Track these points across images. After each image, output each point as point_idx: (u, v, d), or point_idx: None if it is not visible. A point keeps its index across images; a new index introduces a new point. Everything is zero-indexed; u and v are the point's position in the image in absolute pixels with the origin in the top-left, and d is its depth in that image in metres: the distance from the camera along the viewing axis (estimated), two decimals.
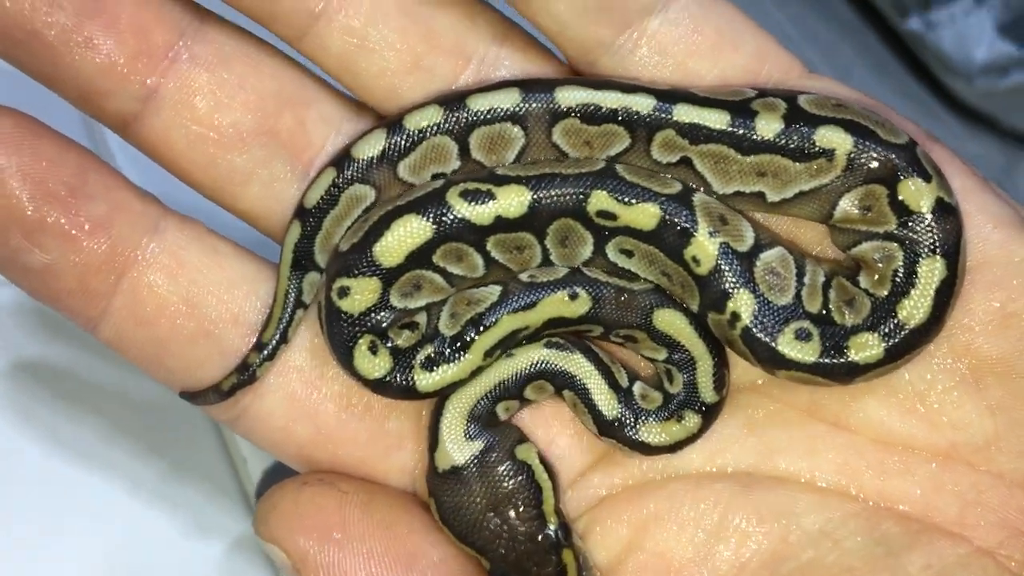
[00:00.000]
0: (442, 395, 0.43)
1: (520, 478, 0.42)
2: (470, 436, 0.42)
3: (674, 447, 0.43)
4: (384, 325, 0.42)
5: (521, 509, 0.41)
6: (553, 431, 0.44)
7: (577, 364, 0.43)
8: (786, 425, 0.43)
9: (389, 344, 0.42)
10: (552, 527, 0.41)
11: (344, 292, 0.41)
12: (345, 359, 0.42)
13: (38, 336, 0.53)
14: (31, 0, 0.38)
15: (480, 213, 0.41)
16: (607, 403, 0.42)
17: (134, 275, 0.41)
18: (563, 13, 0.40)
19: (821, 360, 0.40)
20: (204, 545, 0.50)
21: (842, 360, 0.40)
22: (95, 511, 0.50)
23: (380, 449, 0.44)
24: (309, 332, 0.43)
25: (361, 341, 0.42)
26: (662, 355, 0.43)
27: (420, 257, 0.41)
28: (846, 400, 0.42)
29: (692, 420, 0.42)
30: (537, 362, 0.42)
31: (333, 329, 0.42)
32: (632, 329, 0.42)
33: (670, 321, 0.42)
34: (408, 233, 0.41)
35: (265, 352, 0.42)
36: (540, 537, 0.41)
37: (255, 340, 0.42)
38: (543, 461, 0.43)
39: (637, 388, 0.43)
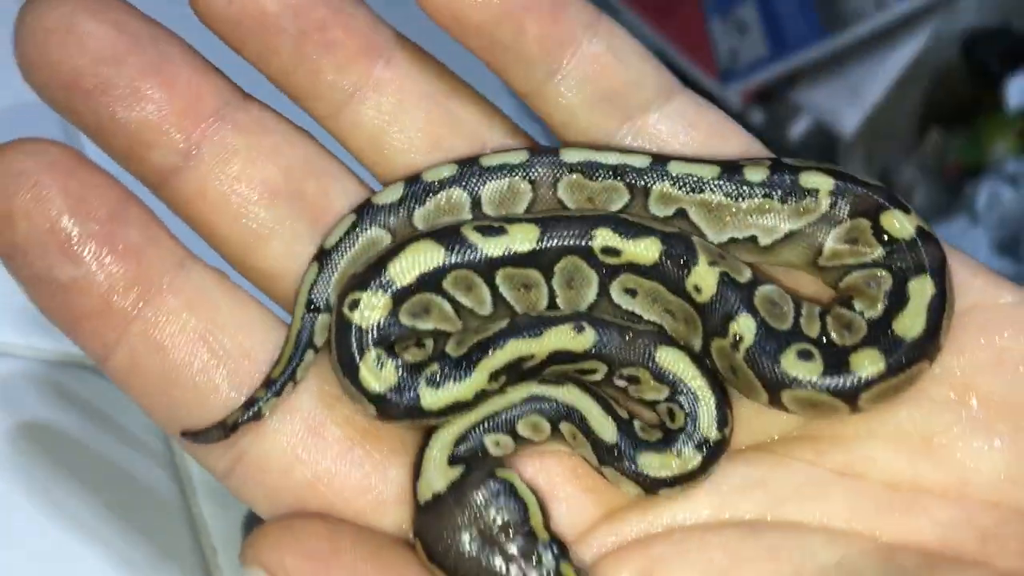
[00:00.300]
0: (440, 420, 0.42)
1: (502, 497, 0.41)
2: (452, 462, 0.42)
3: (673, 482, 0.42)
4: (392, 339, 0.42)
5: (510, 529, 0.40)
6: (558, 486, 0.44)
7: (573, 394, 0.43)
8: (792, 476, 0.42)
9: (396, 361, 0.42)
10: (544, 542, 0.40)
11: (355, 304, 0.42)
12: (351, 371, 0.42)
13: (46, 404, 0.52)
14: (104, 54, 0.41)
15: (492, 244, 0.43)
16: (606, 428, 0.42)
17: (157, 302, 0.42)
18: (573, 102, 0.44)
19: (824, 376, 0.41)
20: None
21: (845, 375, 0.41)
22: None
23: (380, 500, 0.43)
24: (317, 378, 0.43)
25: (369, 353, 0.42)
26: (664, 394, 0.43)
27: (431, 280, 0.43)
28: (850, 447, 0.42)
29: (692, 455, 0.42)
30: (530, 395, 0.43)
31: (341, 341, 0.42)
32: (636, 367, 0.43)
33: (673, 358, 0.43)
34: (422, 254, 0.43)
35: (273, 389, 0.42)
36: (534, 556, 0.40)
37: (265, 378, 0.42)
38: (527, 483, 0.42)
39: (637, 424, 0.43)
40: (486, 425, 0.42)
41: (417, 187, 0.45)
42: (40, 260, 0.41)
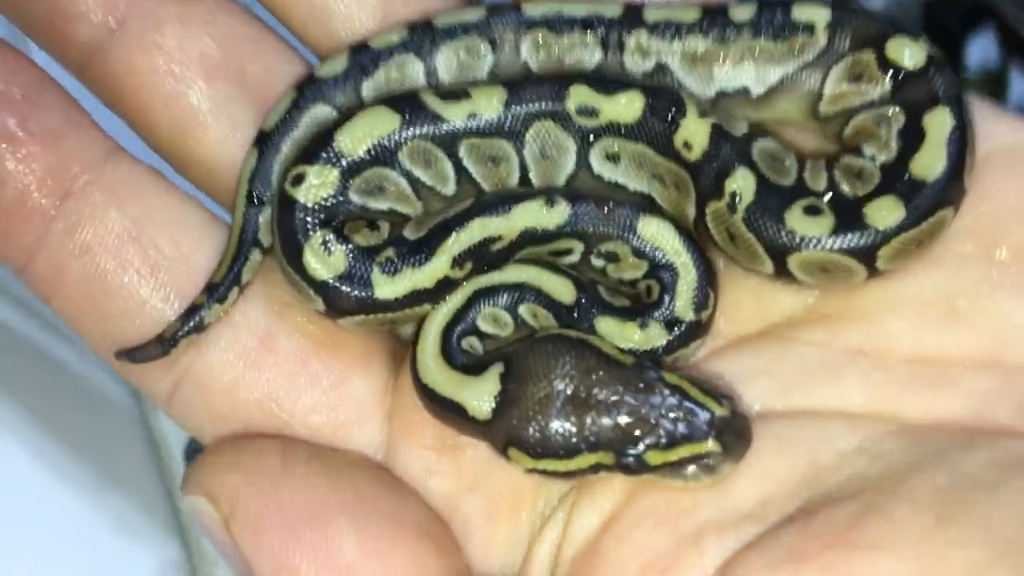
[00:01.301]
0: (397, 314, 0.37)
1: (562, 349, 0.35)
2: (479, 371, 0.36)
3: (631, 355, 0.37)
4: (342, 220, 0.37)
5: (591, 374, 0.35)
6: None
7: (523, 271, 0.38)
8: (800, 360, 0.37)
9: (346, 245, 0.37)
10: (630, 364, 0.35)
11: (299, 180, 0.37)
12: (294, 256, 0.37)
13: None
14: None
15: (453, 109, 0.38)
16: (563, 291, 0.37)
17: (80, 197, 0.37)
18: None
19: (837, 232, 0.36)
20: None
21: (860, 229, 0.36)
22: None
23: (340, 420, 0.38)
24: (265, 283, 0.39)
25: (314, 236, 0.37)
26: (643, 270, 0.38)
27: (386, 152, 0.38)
28: (867, 323, 0.37)
29: (659, 334, 0.37)
30: (474, 292, 0.38)
31: (283, 221, 0.37)
32: (614, 242, 0.38)
33: (655, 230, 0.38)
34: (375, 122, 0.38)
35: (215, 295, 0.37)
36: (631, 384, 0.35)
37: (207, 282, 0.38)
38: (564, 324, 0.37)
39: (603, 288, 0.38)
40: (459, 330, 0.38)
41: (364, 56, 0.39)
42: None
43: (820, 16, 0.38)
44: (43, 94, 0.37)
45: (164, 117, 0.39)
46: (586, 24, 0.39)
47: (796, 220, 0.36)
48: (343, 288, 0.37)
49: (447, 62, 0.40)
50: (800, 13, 0.38)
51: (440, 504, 0.38)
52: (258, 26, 0.41)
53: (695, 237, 0.38)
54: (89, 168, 0.37)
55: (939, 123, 0.37)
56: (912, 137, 0.37)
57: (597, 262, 0.39)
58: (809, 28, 0.38)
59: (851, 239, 0.36)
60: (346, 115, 0.38)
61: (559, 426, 0.35)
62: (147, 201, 0.38)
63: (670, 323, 0.37)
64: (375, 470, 0.37)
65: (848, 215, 0.36)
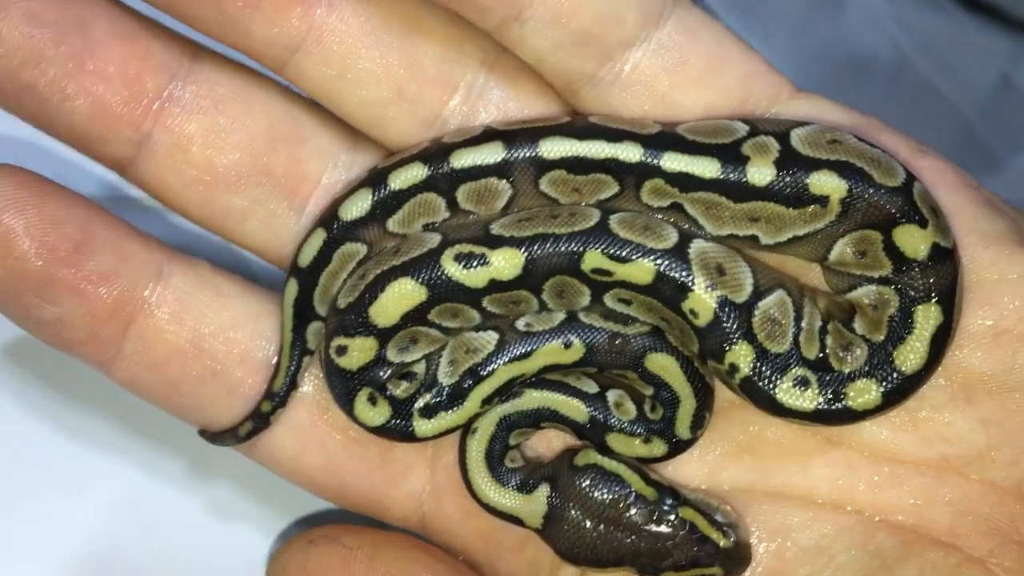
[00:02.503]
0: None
1: (596, 481, 0.42)
2: (529, 489, 0.43)
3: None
4: (382, 378, 0.43)
5: (620, 504, 0.42)
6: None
7: (537, 397, 0.43)
8: (779, 442, 0.43)
9: (388, 394, 0.43)
10: (653, 499, 0.42)
11: (342, 351, 0.42)
12: (347, 409, 0.43)
13: None
14: (20, 55, 0.39)
15: (474, 276, 0.40)
16: (576, 411, 0.43)
17: (141, 321, 0.42)
18: (541, 47, 0.39)
19: (820, 408, 0.40)
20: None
21: (841, 407, 0.40)
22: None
23: (388, 476, 0.45)
24: (315, 367, 0.44)
25: (360, 393, 0.42)
26: (649, 391, 0.43)
27: (415, 317, 0.41)
28: None
29: (659, 447, 0.43)
30: (500, 419, 0.43)
31: (333, 383, 0.43)
32: (624, 370, 0.42)
33: (662, 365, 0.42)
34: (402, 295, 0.41)
35: (276, 399, 0.43)
36: (653, 517, 0.42)
37: (266, 388, 0.43)
38: (605, 453, 0.43)
39: (612, 396, 0.43)
40: (498, 453, 0.44)
41: (385, 194, 0.41)
42: (18, 304, 0.41)
43: (836, 190, 0.39)
44: (92, 238, 0.41)
45: (203, 218, 0.43)
46: (604, 167, 0.40)
47: (785, 393, 0.40)
48: (388, 430, 0.43)
49: (467, 196, 0.41)
50: (816, 185, 0.39)
51: (475, 537, 0.46)
52: (281, 105, 0.43)
53: (697, 368, 0.42)
54: (145, 292, 0.42)
55: (927, 319, 0.39)
56: (901, 327, 0.40)
57: (611, 375, 0.43)
58: (823, 200, 0.39)
59: (831, 413, 0.40)
60: (375, 283, 0.41)
61: (592, 547, 0.42)
62: (200, 310, 0.43)
63: (670, 440, 0.43)
64: (424, 560, 0.45)
65: (832, 392, 0.40)
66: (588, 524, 0.42)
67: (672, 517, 0.42)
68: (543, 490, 0.43)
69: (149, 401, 0.44)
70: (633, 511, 0.42)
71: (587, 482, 0.42)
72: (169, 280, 0.42)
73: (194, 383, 0.43)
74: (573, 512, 0.42)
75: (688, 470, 0.44)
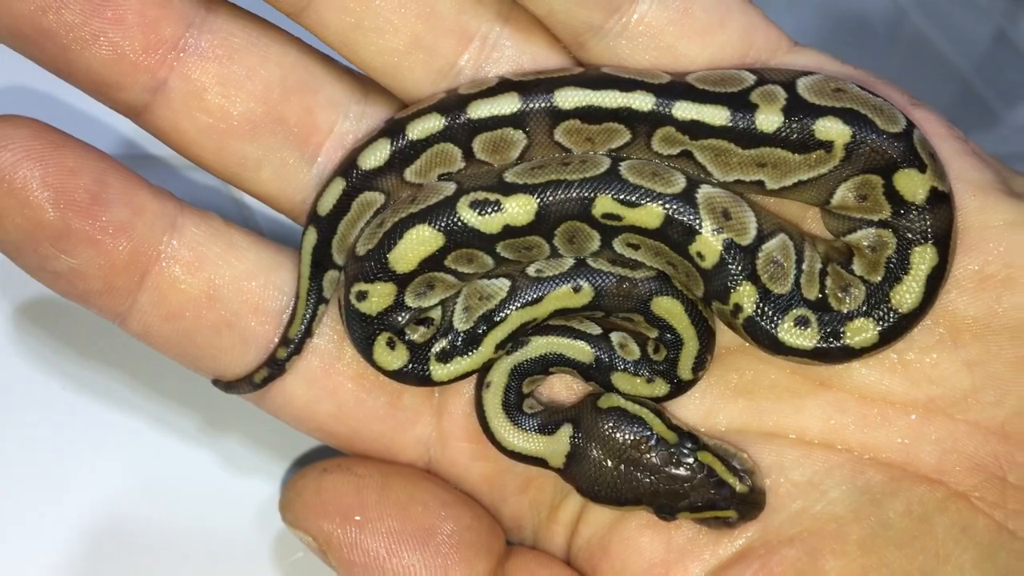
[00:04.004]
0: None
1: (619, 423, 0.44)
2: (551, 430, 0.44)
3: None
4: (401, 322, 0.44)
5: (641, 446, 0.43)
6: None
7: (543, 343, 0.45)
8: (773, 385, 0.45)
9: (406, 339, 0.44)
10: (673, 443, 0.43)
11: (362, 296, 0.43)
12: (366, 354, 0.44)
13: None
14: (39, 1, 0.39)
15: (488, 222, 0.42)
16: (581, 353, 0.45)
17: (156, 272, 0.42)
18: None
19: (819, 346, 0.42)
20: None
21: (839, 345, 0.42)
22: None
23: (397, 423, 0.46)
24: (328, 318, 0.45)
25: (379, 338, 0.44)
26: (654, 334, 0.45)
27: (432, 262, 0.43)
28: None
29: (661, 387, 0.45)
30: (511, 369, 0.45)
31: (353, 328, 0.44)
32: (630, 313, 0.44)
33: (667, 308, 0.44)
34: (420, 241, 0.42)
35: (292, 346, 0.44)
36: (673, 459, 0.43)
37: (282, 335, 0.44)
38: (628, 397, 0.45)
39: (616, 337, 0.45)
40: (515, 402, 0.45)
41: (403, 144, 0.42)
42: (34, 255, 0.41)
43: (841, 136, 0.41)
44: (106, 189, 0.41)
45: (216, 165, 0.43)
46: (617, 116, 0.41)
47: (787, 331, 0.42)
48: (407, 374, 0.44)
49: (483, 146, 0.43)
50: (822, 131, 0.41)
51: (481, 480, 0.47)
52: (294, 57, 0.43)
53: (700, 310, 0.44)
54: (159, 245, 0.42)
55: (924, 260, 0.41)
56: (898, 267, 0.41)
57: (616, 319, 0.45)
58: (828, 145, 0.41)
59: (830, 351, 0.42)
60: (393, 230, 0.42)
61: (612, 486, 0.44)
62: (214, 261, 0.43)
63: (671, 380, 0.45)
64: (433, 490, 0.46)
65: (830, 331, 0.42)
66: (609, 463, 0.44)
67: (691, 460, 0.43)
68: (566, 430, 0.44)
69: (163, 352, 0.44)
70: (653, 453, 0.43)
71: (610, 424, 0.44)
72: (183, 232, 0.43)
73: (208, 333, 0.44)
74: (595, 452, 0.44)
75: (686, 411, 0.46)
